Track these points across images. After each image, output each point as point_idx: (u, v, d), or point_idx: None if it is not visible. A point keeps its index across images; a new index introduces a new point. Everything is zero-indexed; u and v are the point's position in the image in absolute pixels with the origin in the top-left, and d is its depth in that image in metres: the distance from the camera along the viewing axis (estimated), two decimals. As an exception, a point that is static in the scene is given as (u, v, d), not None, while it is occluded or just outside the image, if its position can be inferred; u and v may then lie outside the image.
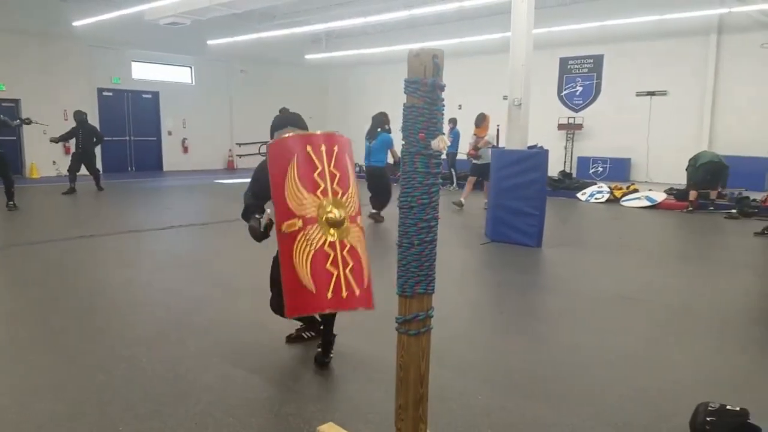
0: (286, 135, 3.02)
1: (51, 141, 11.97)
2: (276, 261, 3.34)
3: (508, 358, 3.56)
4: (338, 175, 2.88)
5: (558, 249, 6.95)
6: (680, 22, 13.53)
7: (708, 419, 2.40)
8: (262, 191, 3.21)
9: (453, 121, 14.14)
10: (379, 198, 8.77)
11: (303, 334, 3.79)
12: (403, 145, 1.97)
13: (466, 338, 3.90)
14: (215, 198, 12.17)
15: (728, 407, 2.45)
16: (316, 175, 2.83)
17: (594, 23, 14.23)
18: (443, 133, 1.82)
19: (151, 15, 12.63)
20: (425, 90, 1.86)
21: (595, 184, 12.84)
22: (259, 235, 3.25)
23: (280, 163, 2.89)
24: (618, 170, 15.05)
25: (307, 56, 20.26)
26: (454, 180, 13.94)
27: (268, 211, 3.21)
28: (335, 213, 2.81)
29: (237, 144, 19.68)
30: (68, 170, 11.98)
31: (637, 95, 14.96)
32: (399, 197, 2.02)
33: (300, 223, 2.82)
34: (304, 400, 2.95)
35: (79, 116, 11.93)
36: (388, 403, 2.39)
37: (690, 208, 10.39)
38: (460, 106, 16.91)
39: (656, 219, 9.83)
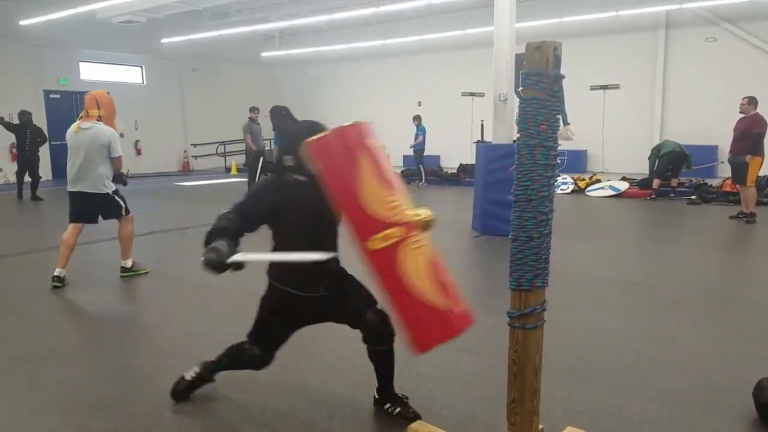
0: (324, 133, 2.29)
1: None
2: (267, 304, 2.68)
3: (548, 345, 3.60)
4: (395, 174, 2.38)
5: (547, 240, 7.09)
6: (631, 18, 14.06)
7: (775, 394, 2.51)
8: (254, 213, 2.51)
9: (418, 118, 14.22)
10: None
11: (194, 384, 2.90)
12: (519, 137, 1.97)
13: (501, 330, 3.92)
14: (178, 202, 11.77)
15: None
16: (388, 173, 2.28)
17: (550, 20, 14.56)
18: (569, 123, 1.83)
19: (103, 13, 12.09)
20: (548, 82, 1.86)
21: (560, 176, 13.19)
22: (219, 267, 2.29)
23: (339, 165, 2.23)
24: (575, 162, 15.43)
25: (263, 54, 19.94)
26: (423, 176, 14.02)
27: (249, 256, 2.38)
28: (424, 212, 2.36)
29: (192, 145, 19.12)
30: (16, 175, 11.52)
31: (591, 89, 15.37)
32: (514, 190, 2.01)
33: (398, 231, 2.20)
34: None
35: (26, 117, 11.30)
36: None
37: (653, 196, 10.83)
38: (420, 103, 17.04)
39: (624, 207, 10.20)
